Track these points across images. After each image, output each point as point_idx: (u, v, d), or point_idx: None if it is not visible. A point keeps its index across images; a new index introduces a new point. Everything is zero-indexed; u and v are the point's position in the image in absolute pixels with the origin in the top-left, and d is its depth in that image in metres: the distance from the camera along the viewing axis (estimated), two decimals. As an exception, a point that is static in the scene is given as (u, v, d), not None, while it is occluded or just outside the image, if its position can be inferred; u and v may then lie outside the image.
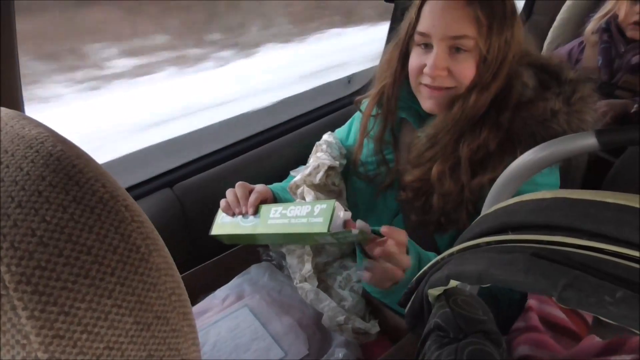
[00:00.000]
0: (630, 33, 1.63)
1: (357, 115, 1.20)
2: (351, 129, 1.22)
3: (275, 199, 1.07)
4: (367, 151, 1.11)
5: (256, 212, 0.96)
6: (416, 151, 0.99)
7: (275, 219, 0.92)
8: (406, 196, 1.00)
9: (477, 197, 0.92)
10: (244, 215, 0.97)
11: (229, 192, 1.01)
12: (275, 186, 1.12)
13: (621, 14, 1.64)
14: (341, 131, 1.25)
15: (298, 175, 1.05)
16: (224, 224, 1.02)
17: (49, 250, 0.26)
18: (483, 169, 0.91)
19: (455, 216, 0.94)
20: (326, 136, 1.20)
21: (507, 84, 0.93)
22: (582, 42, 1.78)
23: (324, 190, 1.05)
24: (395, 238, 0.82)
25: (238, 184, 1.02)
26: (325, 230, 0.81)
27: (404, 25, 0.99)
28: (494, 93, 0.93)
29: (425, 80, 0.94)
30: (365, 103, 1.13)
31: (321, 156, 1.10)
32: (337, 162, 1.09)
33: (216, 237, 1.03)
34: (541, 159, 0.63)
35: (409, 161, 1.01)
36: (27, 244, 0.25)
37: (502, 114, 0.92)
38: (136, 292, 0.28)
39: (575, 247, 0.38)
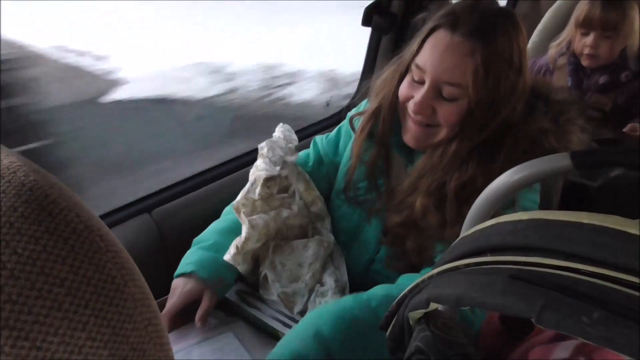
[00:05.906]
0: (585, 62, 1.69)
1: (345, 127, 1.13)
2: (339, 140, 1.14)
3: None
4: (356, 174, 1.06)
5: None
6: (399, 196, 0.98)
7: None
8: (387, 242, 0.99)
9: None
10: None
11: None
12: (210, 246, 0.99)
13: (574, 44, 1.69)
14: (329, 142, 1.16)
15: (240, 194, 1.01)
16: None
17: (21, 284, 0.25)
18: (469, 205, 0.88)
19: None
20: (277, 131, 1.11)
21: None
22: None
23: (271, 201, 1.00)
24: None
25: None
26: None
27: (407, 51, 0.95)
28: (479, 140, 0.91)
29: (410, 111, 0.92)
30: (359, 120, 1.06)
31: (259, 166, 1.03)
32: (277, 169, 1.01)
33: None
34: (517, 181, 0.63)
35: (391, 206, 0.99)
36: None
37: (493, 151, 0.90)
38: (111, 324, 0.27)
39: (552, 267, 0.38)
